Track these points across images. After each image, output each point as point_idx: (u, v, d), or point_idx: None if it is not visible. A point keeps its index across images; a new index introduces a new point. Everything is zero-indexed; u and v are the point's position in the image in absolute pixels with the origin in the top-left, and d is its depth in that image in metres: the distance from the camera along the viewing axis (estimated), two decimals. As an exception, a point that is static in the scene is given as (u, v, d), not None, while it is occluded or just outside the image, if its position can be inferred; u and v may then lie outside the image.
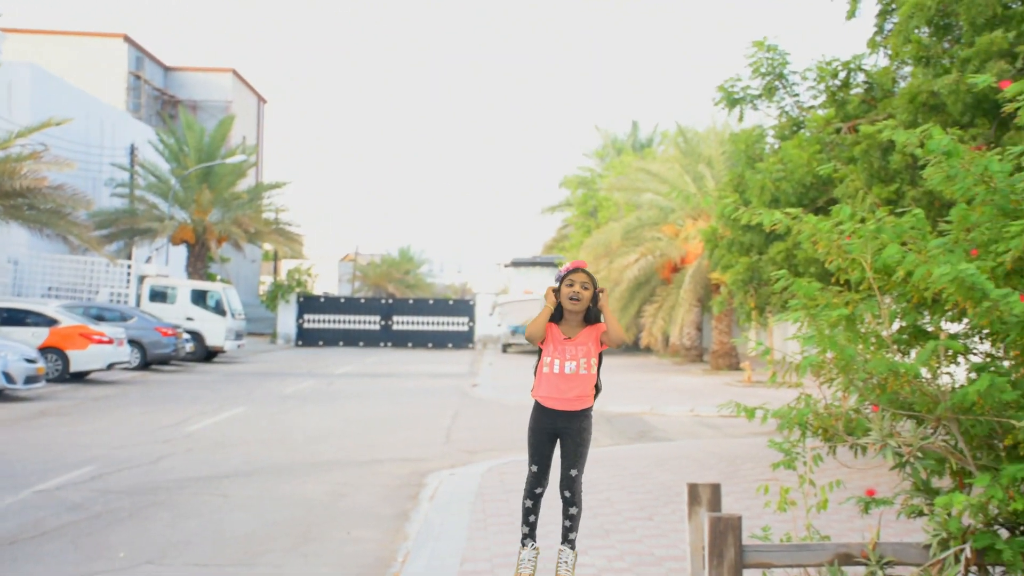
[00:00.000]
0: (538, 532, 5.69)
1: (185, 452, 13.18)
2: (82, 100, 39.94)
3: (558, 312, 5.40)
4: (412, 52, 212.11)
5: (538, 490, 5.44)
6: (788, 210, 5.19)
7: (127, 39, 53.48)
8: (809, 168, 11.00)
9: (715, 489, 4.86)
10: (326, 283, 73.54)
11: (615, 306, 33.68)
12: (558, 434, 5.36)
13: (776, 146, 13.08)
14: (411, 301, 51.30)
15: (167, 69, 60.26)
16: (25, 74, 35.57)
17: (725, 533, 4.43)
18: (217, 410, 18.28)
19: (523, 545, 5.50)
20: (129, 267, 34.80)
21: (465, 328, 49.54)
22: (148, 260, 40.45)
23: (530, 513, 5.47)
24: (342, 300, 50.75)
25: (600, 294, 5.38)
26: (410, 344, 49.17)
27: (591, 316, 5.41)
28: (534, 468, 5.41)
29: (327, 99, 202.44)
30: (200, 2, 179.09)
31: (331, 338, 48.81)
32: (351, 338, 49.03)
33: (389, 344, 49.17)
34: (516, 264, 49.82)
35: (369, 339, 49.17)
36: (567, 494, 5.39)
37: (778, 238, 11.65)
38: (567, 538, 5.41)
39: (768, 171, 11.56)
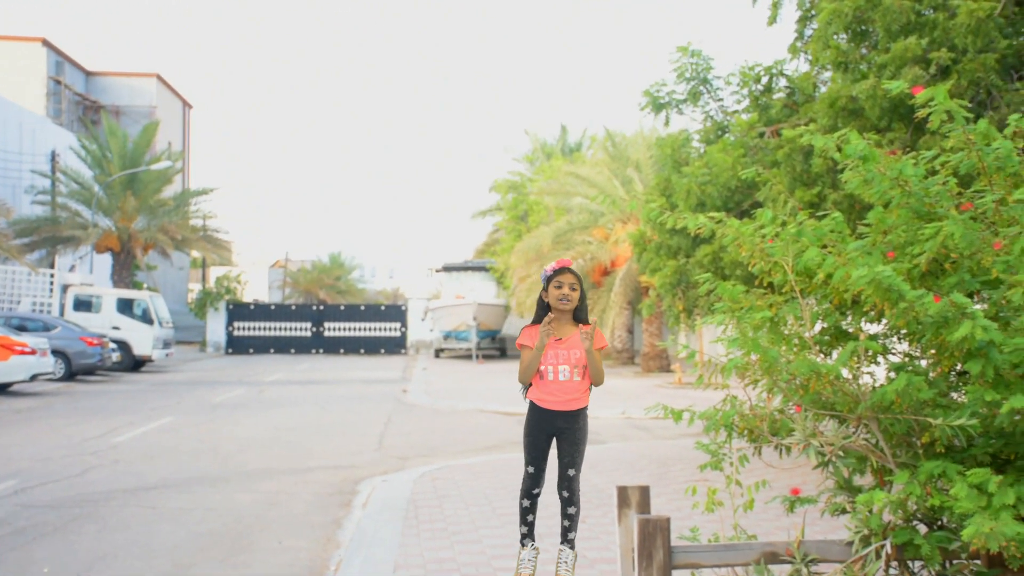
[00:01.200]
0: (534, 533, 5.70)
1: (112, 464, 12.94)
2: None
3: (545, 313, 5.44)
4: (339, 58, 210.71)
5: (535, 491, 5.49)
6: (713, 214, 5.26)
7: (46, 43, 52.36)
8: (733, 172, 11.16)
9: (644, 491, 4.90)
10: (256, 290, 72.68)
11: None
12: (555, 434, 5.42)
13: (702, 150, 13.24)
14: (342, 307, 50.99)
15: (88, 74, 59.13)
16: (-59, 79, 34.69)
17: (654, 535, 4.48)
18: (145, 420, 17.97)
19: (523, 545, 5.55)
20: (52, 276, 34.06)
21: (397, 334, 49.38)
22: (72, 269, 39.63)
23: (528, 513, 5.52)
24: (272, 307, 50.27)
25: (590, 328, 5.38)
26: (342, 350, 48.88)
27: (580, 315, 5.51)
28: (531, 469, 5.45)
29: (255, 104, 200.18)
30: (123, 6, 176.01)
31: (262, 346, 48.33)
32: (282, 345, 48.61)
33: (321, 351, 48.82)
34: (448, 269, 49.73)
35: (300, 346, 48.79)
36: (565, 494, 5.43)
37: (704, 241, 11.78)
38: (566, 538, 5.46)
39: (694, 175, 11.70)
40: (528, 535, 5.54)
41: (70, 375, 27.83)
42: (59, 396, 23.35)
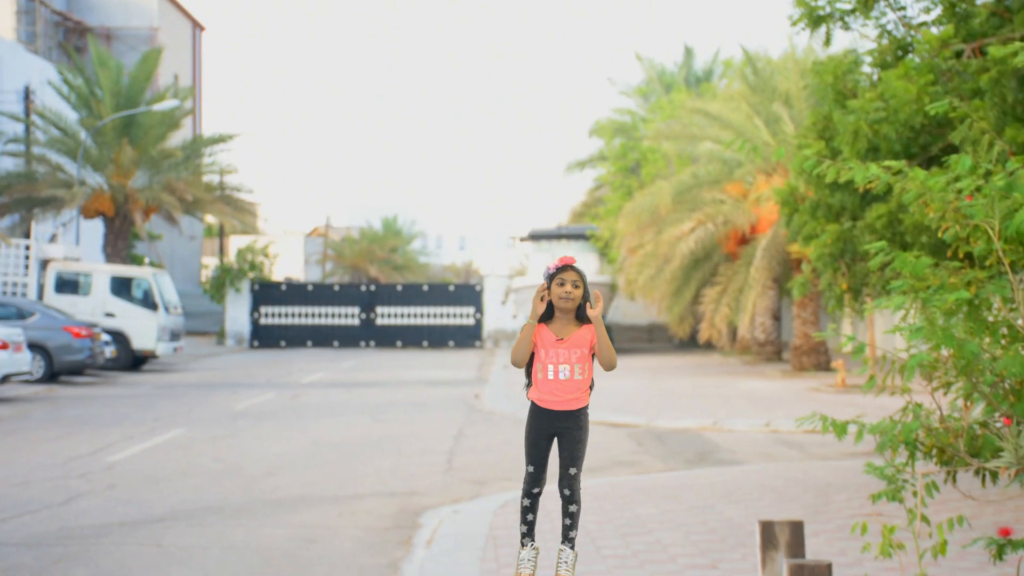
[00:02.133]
0: (538, 534, 6.88)
1: (106, 489, 13.27)
2: (-38, 30, 40.01)
3: (548, 311, 6.80)
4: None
5: (535, 490, 6.87)
6: (890, 163, 5.21)
7: (19, -52, 53.52)
8: (919, 105, 10.98)
9: (796, 528, 4.88)
10: (289, 265, 73.76)
11: (666, 289, 33.91)
12: (556, 434, 6.82)
13: (875, 77, 13.05)
14: (399, 288, 51.48)
15: (73, -13, 60.30)
16: None
17: (811, 586, 4.46)
18: (148, 434, 18.38)
19: (522, 545, 6.86)
20: (27, 248, 34.94)
21: (470, 321, 49.73)
22: (53, 238, 40.58)
23: (528, 512, 6.87)
24: (310, 288, 51.01)
25: (590, 305, 6.69)
26: (399, 343, 49.37)
27: (583, 314, 6.77)
28: (531, 468, 6.86)
29: (286, 27, 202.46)
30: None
31: (296, 337, 49.04)
32: (322, 336, 49.25)
33: (372, 343, 49.36)
34: (535, 237, 49.87)
35: (346, 337, 49.40)
36: (567, 492, 6.80)
37: (877, 199, 11.63)
38: (567, 536, 6.81)
39: (864, 110, 11.54)
40: (528, 534, 6.86)
41: (51, 375, 28.54)
42: (38, 403, 23.98)
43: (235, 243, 64.32)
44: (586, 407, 6.82)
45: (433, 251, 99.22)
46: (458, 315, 49.77)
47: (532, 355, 6.79)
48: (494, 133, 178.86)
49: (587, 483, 13.28)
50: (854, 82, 13.09)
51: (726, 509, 11.42)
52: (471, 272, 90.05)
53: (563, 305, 6.71)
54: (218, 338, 49.90)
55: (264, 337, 49.03)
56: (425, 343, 49.44)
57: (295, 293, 50.23)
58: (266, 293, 49.58)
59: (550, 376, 6.72)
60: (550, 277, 6.77)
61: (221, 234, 62.25)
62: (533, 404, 6.85)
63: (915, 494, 4.91)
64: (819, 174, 5.77)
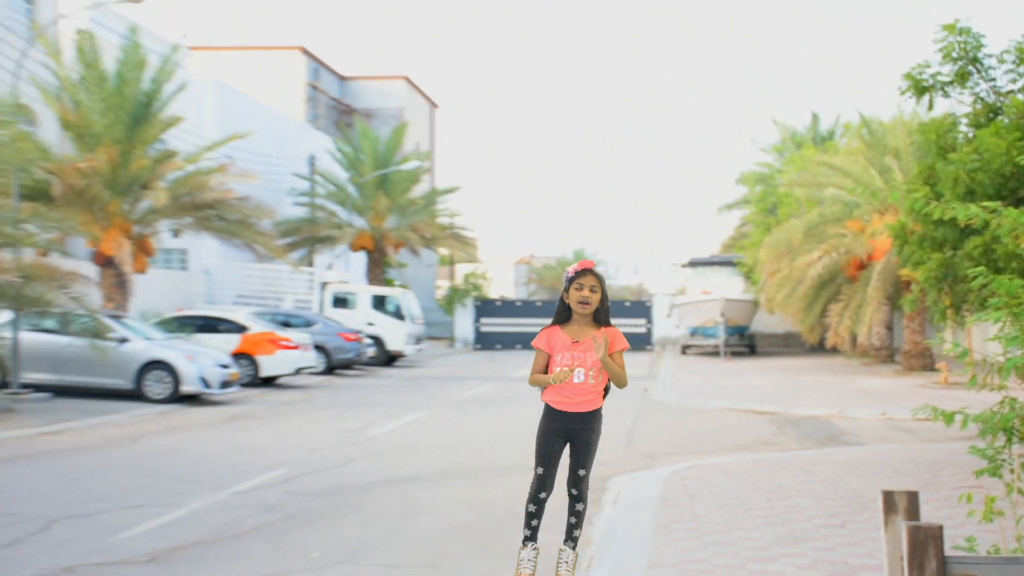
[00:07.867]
0: (542, 532, 5.74)
1: (371, 455, 13.67)
2: (263, 113, 41.83)
3: (566, 314, 5.55)
4: (582, 53, 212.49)
5: (542, 494, 5.54)
6: (985, 204, 5.03)
7: (304, 51, 55.69)
8: (1008, 157, 10.56)
9: (912, 497, 4.74)
10: (501, 286, 74.65)
11: (798, 304, 33.12)
12: (569, 436, 5.50)
13: (970, 135, 12.58)
14: (587, 304, 51.62)
15: (342, 79, 62.40)
16: (211, 90, 37.54)
17: (925, 543, 4.33)
18: (399, 414, 18.84)
19: (523, 546, 5.57)
20: (311, 274, 36.19)
21: (643, 330, 49.52)
22: (329, 267, 41.97)
23: (533, 518, 5.55)
24: (518, 303, 51.46)
25: (602, 336, 5.47)
26: (586, 347, 49.55)
27: (600, 318, 5.57)
28: (540, 470, 5.51)
29: (498, 102, 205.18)
30: (372, 11, 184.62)
31: (508, 341, 49.60)
32: (528, 341, 49.53)
33: (566, 347, 49.68)
34: (693, 264, 49.15)
35: (545, 342, 49.80)
36: (574, 492, 5.53)
37: (974, 233, 11.20)
38: (571, 535, 5.55)
39: (962, 162, 11.14)
40: (531, 537, 5.55)
41: (329, 369, 29.46)
42: (320, 389, 24.83)
43: (461, 269, 65.37)
44: (600, 409, 5.54)
45: (613, 274, 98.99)
46: (633, 325, 49.58)
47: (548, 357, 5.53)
48: (664, 180, 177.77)
49: (737, 458, 13.13)
50: (953, 139, 12.63)
51: (852, 481, 11.12)
52: (642, 291, 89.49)
53: (581, 310, 5.49)
54: (449, 342, 50.79)
55: (484, 341, 49.68)
56: (607, 347, 49.53)
57: (507, 308, 50.79)
58: (485, 308, 50.29)
59: None
60: (569, 281, 5.52)
61: (451, 262, 63.28)
62: (547, 406, 5.52)
63: (1012, 471, 4.74)
64: (926, 213, 5.60)
